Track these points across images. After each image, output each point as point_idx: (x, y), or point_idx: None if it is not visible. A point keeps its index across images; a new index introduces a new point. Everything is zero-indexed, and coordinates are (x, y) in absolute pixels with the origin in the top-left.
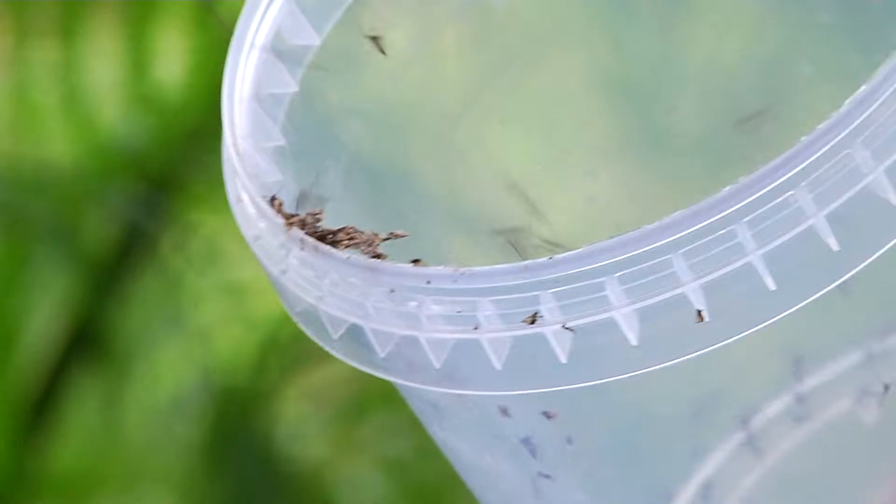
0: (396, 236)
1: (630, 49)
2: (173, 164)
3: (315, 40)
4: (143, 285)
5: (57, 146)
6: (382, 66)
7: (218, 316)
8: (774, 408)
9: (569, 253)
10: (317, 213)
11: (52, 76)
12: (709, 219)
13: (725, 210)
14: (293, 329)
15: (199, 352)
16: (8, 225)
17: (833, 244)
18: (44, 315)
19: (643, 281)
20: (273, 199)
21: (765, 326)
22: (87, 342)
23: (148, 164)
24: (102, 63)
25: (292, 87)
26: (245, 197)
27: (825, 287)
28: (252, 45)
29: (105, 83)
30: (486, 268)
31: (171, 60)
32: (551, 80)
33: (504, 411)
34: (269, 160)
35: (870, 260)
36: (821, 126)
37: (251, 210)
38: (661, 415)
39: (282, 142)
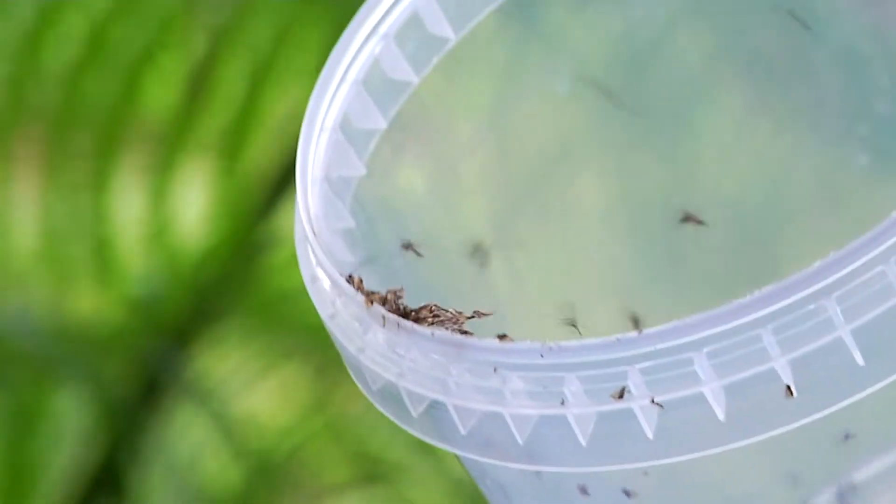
0: (481, 315)
1: (643, 172)
2: (193, 313)
3: (382, 124)
4: (155, 432)
5: (84, 296)
6: (443, 158)
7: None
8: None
9: (657, 328)
10: (398, 291)
11: (81, 228)
12: (798, 294)
13: (815, 285)
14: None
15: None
16: (36, 370)
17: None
18: (65, 456)
19: (731, 356)
20: (350, 276)
21: (853, 401)
22: (104, 485)
23: (169, 313)
24: (128, 215)
25: (360, 170)
26: (321, 274)
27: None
28: (322, 127)
29: (131, 235)
30: (574, 342)
31: (194, 212)
32: (570, 205)
33: (583, 490)
34: (340, 241)
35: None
36: None
37: (327, 288)
38: (737, 496)
39: (351, 223)
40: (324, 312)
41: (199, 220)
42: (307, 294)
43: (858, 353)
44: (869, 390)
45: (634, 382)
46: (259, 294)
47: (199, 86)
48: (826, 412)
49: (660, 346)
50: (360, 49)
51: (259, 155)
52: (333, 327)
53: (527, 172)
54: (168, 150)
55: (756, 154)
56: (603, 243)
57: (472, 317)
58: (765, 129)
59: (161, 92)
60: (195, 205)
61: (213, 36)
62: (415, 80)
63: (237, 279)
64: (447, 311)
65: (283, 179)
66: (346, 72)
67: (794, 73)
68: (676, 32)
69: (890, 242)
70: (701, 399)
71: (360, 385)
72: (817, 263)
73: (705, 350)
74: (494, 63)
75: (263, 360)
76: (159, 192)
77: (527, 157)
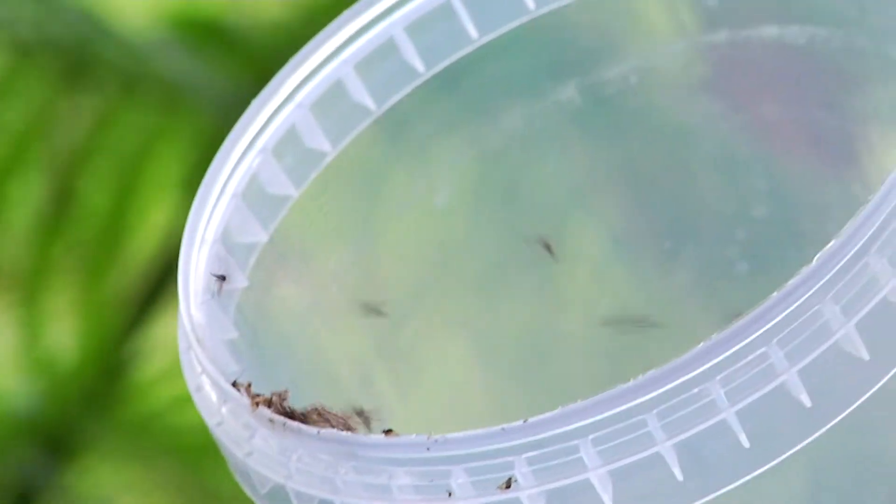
0: (365, 414)
1: (520, 290)
2: (65, 429)
3: (262, 237)
4: None
5: None
6: (325, 268)
7: None
8: None
9: (542, 416)
10: (282, 393)
11: None
12: (682, 377)
13: (699, 368)
14: None
15: None
16: None
17: (805, 400)
18: None
19: (617, 442)
20: (235, 382)
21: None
22: None
23: (41, 428)
24: None
25: (242, 283)
26: (206, 382)
27: (798, 444)
28: (203, 240)
29: (2, 350)
30: (460, 434)
31: (63, 325)
32: (450, 318)
33: None
34: (224, 350)
35: (841, 416)
36: (790, 282)
37: (213, 396)
38: None
39: (235, 335)
40: (210, 421)
41: (67, 335)
42: (176, 410)
43: (744, 436)
44: (755, 472)
45: (521, 472)
46: (129, 411)
47: (62, 201)
48: (715, 495)
49: (545, 434)
50: (238, 162)
51: (126, 269)
52: (220, 434)
53: (404, 286)
54: (35, 266)
55: (634, 264)
56: (477, 361)
57: (360, 414)
58: (643, 237)
59: (23, 208)
60: (63, 320)
61: (74, 152)
62: (294, 193)
63: (106, 396)
64: (333, 412)
65: (152, 294)
66: (224, 185)
67: (672, 180)
68: (552, 148)
69: (771, 324)
70: (588, 486)
71: (247, 490)
72: (700, 345)
73: (591, 437)
74: (371, 176)
75: (132, 478)
76: (28, 307)
77: (404, 270)
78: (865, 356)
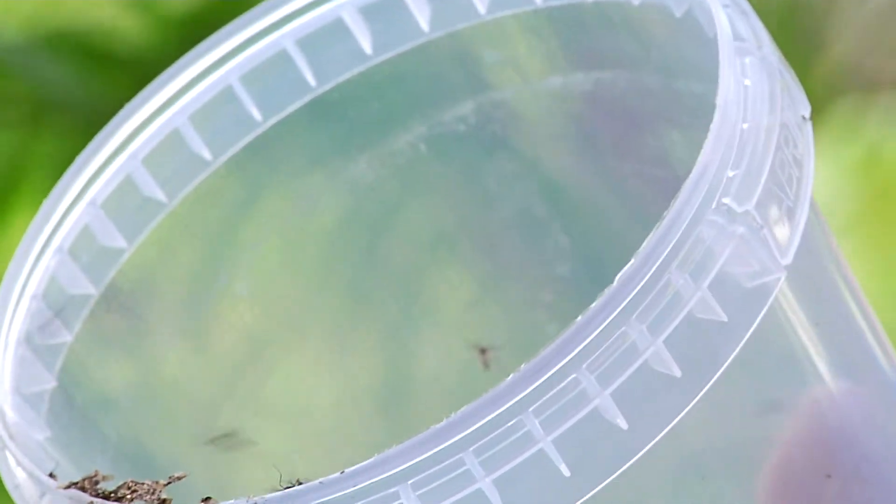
0: (178, 479)
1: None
2: None
3: (67, 337)
4: None
5: None
6: (137, 360)
7: None
8: None
9: (359, 465)
10: (93, 477)
11: None
12: (494, 411)
13: (512, 399)
14: None
15: None
16: None
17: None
18: None
19: (437, 484)
20: (51, 474)
21: None
22: None
23: None
24: None
25: (51, 382)
26: (22, 476)
27: (619, 468)
28: (6, 342)
29: None
30: (279, 493)
31: None
32: (299, 368)
33: None
34: (39, 449)
35: (660, 436)
36: (594, 305)
37: (32, 490)
38: None
39: (48, 433)
40: None
41: None
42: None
43: (564, 465)
44: (580, 500)
45: None
46: None
47: None
48: None
49: (363, 483)
50: (36, 262)
51: None
52: None
53: (219, 374)
54: None
55: (456, 331)
56: (339, 405)
57: (169, 482)
58: (458, 304)
59: None
60: None
61: None
62: (94, 291)
63: None
64: (143, 483)
65: None
66: (24, 287)
67: (476, 244)
68: (404, 210)
69: (582, 345)
70: None
71: None
72: (511, 377)
73: (410, 482)
74: (179, 265)
75: None
76: None
77: (219, 362)
78: (677, 373)
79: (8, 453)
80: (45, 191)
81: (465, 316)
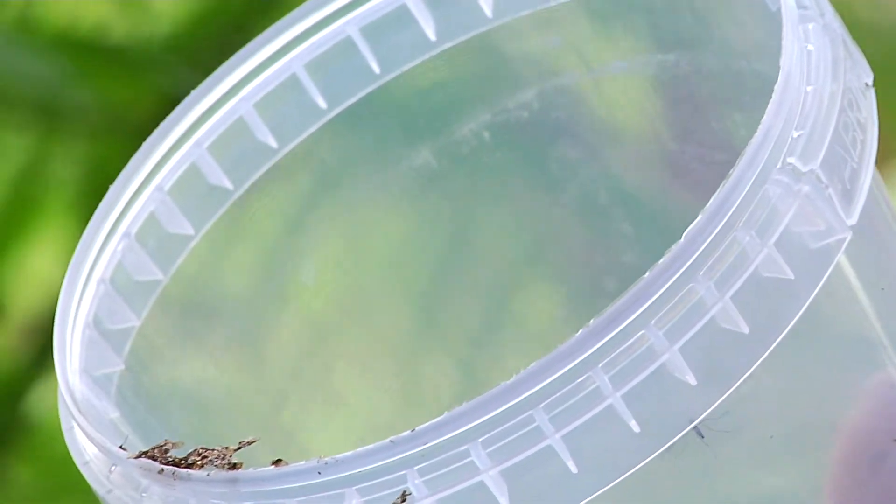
0: (248, 443)
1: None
2: None
3: (135, 321)
4: None
5: None
6: (203, 348)
7: None
8: None
9: (430, 422)
10: (163, 445)
11: None
12: (564, 367)
13: (579, 357)
14: None
15: None
16: None
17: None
18: None
19: (507, 440)
20: (121, 447)
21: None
22: None
23: None
24: None
25: (119, 365)
26: (92, 452)
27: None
28: (75, 325)
29: None
30: (350, 452)
31: None
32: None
33: None
34: (108, 427)
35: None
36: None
37: (100, 464)
38: None
39: (117, 414)
40: (100, 490)
41: None
42: None
43: (634, 422)
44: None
45: (414, 484)
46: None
47: None
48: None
49: (435, 441)
50: (102, 247)
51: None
52: (112, 501)
53: (285, 364)
54: None
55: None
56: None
57: (240, 447)
58: (519, 289)
59: None
60: None
61: None
62: (161, 277)
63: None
64: (213, 449)
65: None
66: (91, 270)
67: (539, 229)
68: (413, 214)
69: (650, 302)
70: (482, 487)
71: None
72: (579, 332)
73: (480, 439)
74: (246, 253)
75: None
76: None
77: (285, 352)
78: (745, 329)
79: (77, 430)
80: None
81: (533, 309)
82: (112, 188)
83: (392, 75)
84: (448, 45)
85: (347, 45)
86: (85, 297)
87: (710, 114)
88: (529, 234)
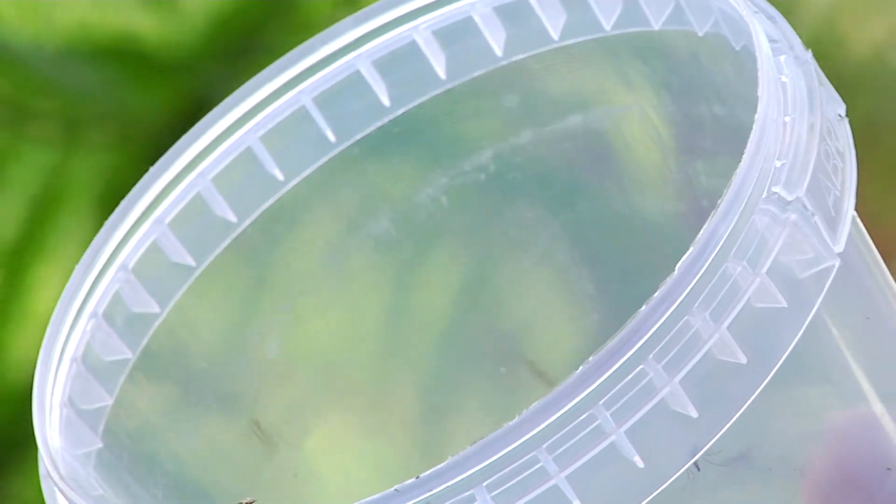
0: None
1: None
2: None
3: (108, 400)
4: None
5: None
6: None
7: None
8: None
9: (434, 469)
10: None
11: None
12: (566, 406)
13: (581, 393)
14: None
15: None
16: None
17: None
18: None
19: (512, 483)
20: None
21: None
22: None
23: None
24: None
25: (96, 444)
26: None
27: None
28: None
29: None
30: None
31: None
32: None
33: None
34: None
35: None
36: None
37: None
38: None
39: (99, 492)
40: None
41: None
42: None
43: (637, 457)
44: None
45: None
46: None
47: None
48: None
49: (438, 487)
50: (72, 327)
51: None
52: None
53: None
54: None
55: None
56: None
57: None
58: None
59: None
60: None
61: None
62: (130, 356)
63: None
64: None
65: None
66: (63, 349)
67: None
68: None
69: (647, 335)
70: None
71: None
72: (579, 369)
73: (485, 483)
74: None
75: None
76: None
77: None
78: (742, 360)
79: (51, 482)
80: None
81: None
82: (78, 268)
83: (348, 143)
84: (402, 110)
85: (302, 114)
86: (59, 376)
87: (669, 162)
88: (491, 297)
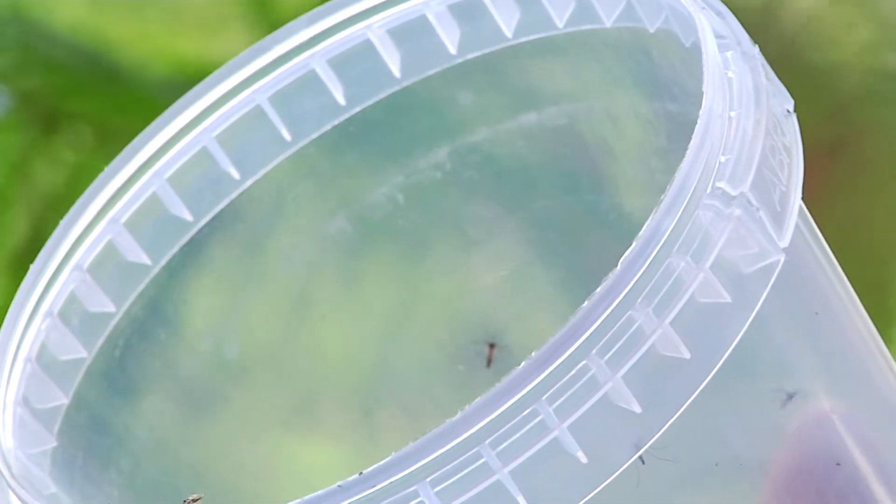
0: (193, 501)
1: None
2: None
3: (63, 400)
4: None
5: None
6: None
7: None
8: None
9: (374, 466)
10: None
11: None
12: (508, 401)
13: (525, 389)
14: None
15: None
16: None
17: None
18: None
19: (457, 477)
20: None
21: None
22: None
23: None
24: None
25: (51, 443)
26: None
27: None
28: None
29: None
30: (297, 501)
31: None
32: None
33: None
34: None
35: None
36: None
37: None
38: None
39: (52, 489)
40: None
41: None
42: None
43: (581, 453)
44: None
45: None
46: None
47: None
48: None
49: (382, 483)
50: (27, 327)
51: None
52: None
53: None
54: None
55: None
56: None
57: None
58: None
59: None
60: None
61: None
62: (85, 355)
63: None
64: None
65: None
66: (17, 349)
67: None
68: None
69: (590, 331)
70: None
71: None
72: (522, 365)
73: (428, 479)
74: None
75: None
76: None
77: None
78: (686, 355)
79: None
80: None
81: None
82: (32, 267)
83: (304, 142)
84: (357, 108)
85: (257, 112)
86: (13, 376)
87: (625, 160)
88: (447, 295)
